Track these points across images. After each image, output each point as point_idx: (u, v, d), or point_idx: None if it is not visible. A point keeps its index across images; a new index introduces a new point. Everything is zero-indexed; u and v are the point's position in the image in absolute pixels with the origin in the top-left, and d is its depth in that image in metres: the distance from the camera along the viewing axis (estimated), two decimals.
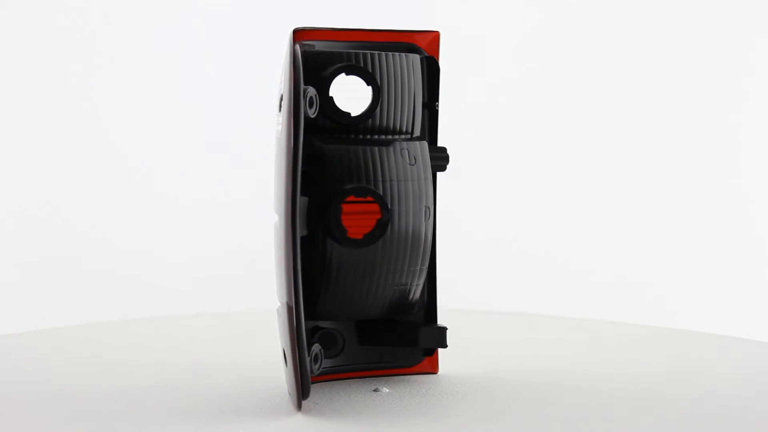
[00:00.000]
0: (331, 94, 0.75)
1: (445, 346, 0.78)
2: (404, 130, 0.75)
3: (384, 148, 0.73)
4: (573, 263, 1.45)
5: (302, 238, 0.72)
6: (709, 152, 1.46)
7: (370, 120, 0.75)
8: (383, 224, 0.72)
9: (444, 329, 0.78)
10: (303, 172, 0.71)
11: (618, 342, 0.97)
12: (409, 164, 0.74)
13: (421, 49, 0.77)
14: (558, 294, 1.44)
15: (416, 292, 0.76)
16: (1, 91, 1.35)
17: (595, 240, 1.46)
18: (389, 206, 0.73)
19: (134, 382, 0.80)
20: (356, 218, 0.72)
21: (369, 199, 0.72)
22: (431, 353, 0.80)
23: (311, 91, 0.72)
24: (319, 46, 0.75)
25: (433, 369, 0.81)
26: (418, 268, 0.75)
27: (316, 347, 0.74)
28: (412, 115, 0.75)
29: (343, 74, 0.74)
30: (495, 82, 1.45)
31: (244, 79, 1.39)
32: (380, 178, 0.73)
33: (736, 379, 0.82)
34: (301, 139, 0.69)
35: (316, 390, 0.77)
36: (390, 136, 0.75)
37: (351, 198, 0.72)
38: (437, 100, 0.78)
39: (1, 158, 1.35)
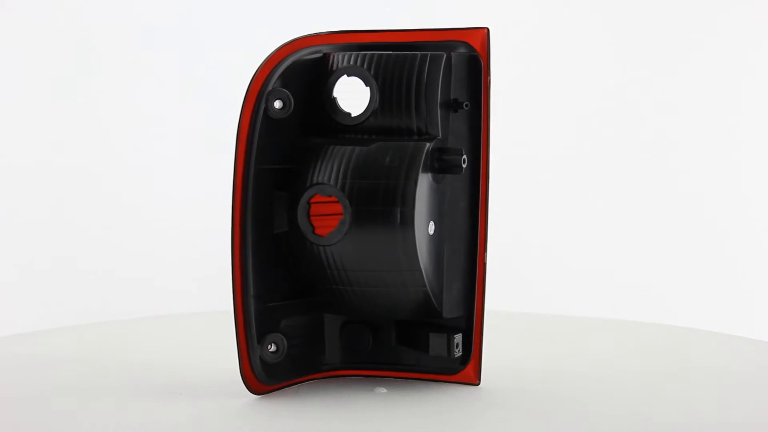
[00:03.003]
0: (335, 95, 0.75)
1: (453, 356, 0.75)
2: (413, 130, 0.74)
3: (364, 148, 0.73)
4: (572, 262, 1.45)
5: (286, 234, 0.74)
6: (709, 152, 1.46)
7: (371, 120, 0.75)
8: (343, 223, 0.73)
9: (452, 337, 0.75)
10: (291, 170, 0.74)
11: (618, 342, 0.97)
12: (388, 165, 0.73)
13: (471, 46, 0.75)
14: (557, 293, 1.44)
15: (425, 295, 0.74)
16: None
17: (594, 239, 1.46)
18: (352, 206, 0.72)
19: (134, 381, 0.80)
20: (325, 216, 0.73)
21: (333, 198, 0.73)
22: (466, 361, 0.77)
23: (279, 92, 0.73)
24: (352, 48, 0.75)
25: (473, 380, 0.77)
26: (404, 269, 0.73)
27: (275, 336, 0.74)
28: (423, 115, 0.74)
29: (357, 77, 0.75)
30: (493, 82, 1.44)
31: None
32: (348, 178, 0.73)
33: (736, 378, 0.82)
34: (257, 136, 0.72)
35: (316, 386, 0.77)
36: (396, 137, 0.74)
37: (318, 197, 0.73)
38: (480, 99, 0.76)
39: (1, 158, 1.34)
